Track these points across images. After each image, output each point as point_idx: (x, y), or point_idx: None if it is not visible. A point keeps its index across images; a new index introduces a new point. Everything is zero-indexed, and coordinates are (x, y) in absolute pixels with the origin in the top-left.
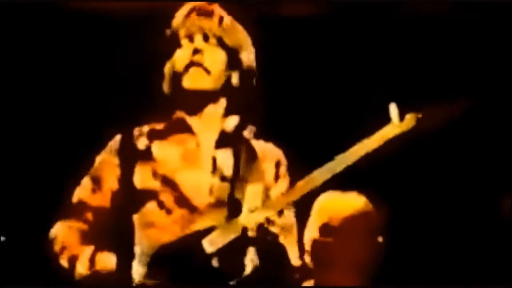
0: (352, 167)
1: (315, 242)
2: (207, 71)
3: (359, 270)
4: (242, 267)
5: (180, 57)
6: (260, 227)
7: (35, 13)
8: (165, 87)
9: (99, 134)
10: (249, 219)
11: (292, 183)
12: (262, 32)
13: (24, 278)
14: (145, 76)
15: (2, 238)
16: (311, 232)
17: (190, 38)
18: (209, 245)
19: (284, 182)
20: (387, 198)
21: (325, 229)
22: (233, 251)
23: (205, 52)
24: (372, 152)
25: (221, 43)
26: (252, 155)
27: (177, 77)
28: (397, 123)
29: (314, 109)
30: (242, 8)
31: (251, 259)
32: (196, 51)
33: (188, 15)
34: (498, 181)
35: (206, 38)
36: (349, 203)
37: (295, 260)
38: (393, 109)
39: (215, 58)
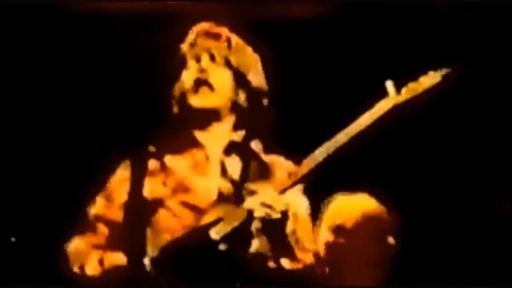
0: (361, 170)
1: (328, 244)
2: (213, 89)
3: (371, 271)
4: (248, 250)
5: (187, 77)
6: (266, 206)
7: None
8: (174, 107)
9: (112, 152)
10: (253, 200)
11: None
12: (267, 35)
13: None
14: (156, 97)
15: (13, 239)
16: (324, 234)
17: (197, 59)
18: (215, 233)
19: (296, 190)
20: (397, 200)
21: (338, 230)
22: (239, 236)
23: (210, 70)
24: (371, 126)
25: (228, 63)
26: (263, 167)
27: (184, 96)
28: (394, 96)
29: (324, 114)
30: (248, 12)
31: (257, 241)
32: (202, 70)
33: (196, 38)
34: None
35: (212, 58)
36: (361, 205)
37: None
38: (389, 84)
39: (221, 77)
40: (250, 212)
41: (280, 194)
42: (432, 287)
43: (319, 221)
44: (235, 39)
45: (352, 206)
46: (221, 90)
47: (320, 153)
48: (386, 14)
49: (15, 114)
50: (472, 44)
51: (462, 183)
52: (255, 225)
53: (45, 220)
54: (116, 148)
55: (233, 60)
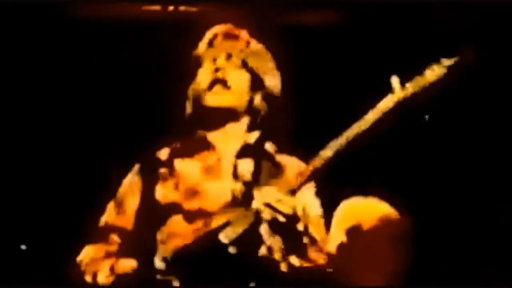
0: (370, 171)
1: (341, 245)
2: (229, 88)
3: (382, 273)
4: (258, 251)
5: (203, 76)
6: (269, 206)
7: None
8: (188, 107)
9: (122, 158)
10: (259, 199)
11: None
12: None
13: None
14: (165, 101)
15: (23, 247)
16: (338, 235)
17: (214, 60)
18: (225, 237)
19: (308, 190)
20: (409, 204)
21: (351, 232)
22: (248, 238)
23: (227, 69)
24: (378, 122)
25: (244, 64)
26: (275, 169)
27: (199, 96)
28: (399, 91)
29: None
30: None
31: (266, 242)
32: (218, 69)
33: (214, 39)
34: None
35: (229, 57)
36: (374, 208)
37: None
38: (394, 80)
39: (237, 77)
40: (257, 214)
41: (287, 195)
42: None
43: (333, 222)
44: (254, 42)
45: (365, 209)
46: (236, 90)
47: (327, 152)
48: (393, 15)
49: (25, 123)
50: (477, 40)
51: (475, 185)
52: (265, 227)
53: (56, 229)
54: (126, 153)
55: (250, 62)
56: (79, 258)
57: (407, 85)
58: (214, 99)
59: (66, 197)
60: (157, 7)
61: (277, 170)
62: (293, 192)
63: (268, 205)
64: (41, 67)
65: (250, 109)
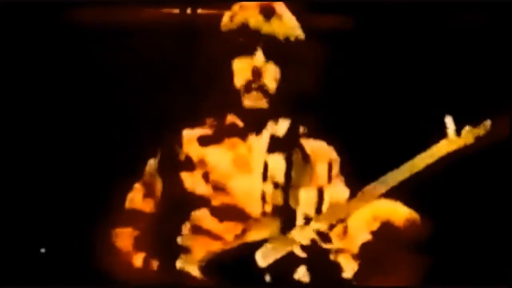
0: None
1: (364, 245)
2: (266, 91)
3: (400, 275)
4: (294, 282)
5: (240, 72)
6: (311, 244)
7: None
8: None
9: (150, 138)
10: (299, 235)
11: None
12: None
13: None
14: (195, 78)
15: (43, 250)
16: (361, 235)
17: (250, 50)
18: (262, 258)
19: (337, 183)
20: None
21: (374, 233)
22: (286, 266)
23: (266, 73)
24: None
25: (279, 56)
26: (304, 158)
27: (234, 87)
28: (454, 138)
29: (368, 112)
30: None
31: (303, 274)
32: (257, 73)
33: (247, 22)
34: None
35: (267, 54)
36: (396, 211)
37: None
38: (449, 123)
39: (275, 78)
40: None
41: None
42: None
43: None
44: (286, 16)
45: (388, 211)
46: (274, 90)
47: (373, 190)
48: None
49: (36, 124)
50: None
51: (493, 190)
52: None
53: (82, 213)
54: (152, 138)
55: (284, 52)
56: (107, 242)
57: (463, 133)
58: (252, 103)
59: (92, 182)
60: (175, 10)
61: (307, 162)
62: (332, 226)
63: (311, 242)
64: (52, 73)
65: (282, 102)
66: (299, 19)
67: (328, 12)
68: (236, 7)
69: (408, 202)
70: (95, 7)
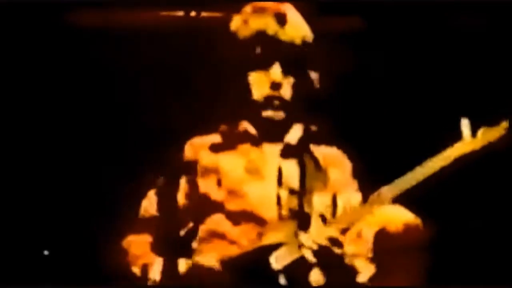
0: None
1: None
2: (285, 104)
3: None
4: (308, 284)
5: (257, 85)
6: (322, 249)
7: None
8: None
9: (164, 145)
10: (310, 240)
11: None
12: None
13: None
14: (205, 83)
15: (46, 252)
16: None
17: (266, 63)
18: (276, 261)
19: (350, 188)
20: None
21: (378, 236)
22: (300, 268)
23: (284, 86)
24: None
25: (295, 68)
26: (317, 163)
27: (251, 98)
28: (469, 140)
29: (381, 117)
30: None
31: (317, 277)
32: (275, 87)
33: (260, 30)
34: None
35: (284, 65)
36: (398, 215)
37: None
38: (465, 125)
39: (291, 88)
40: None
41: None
42: None
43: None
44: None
45: (391, 215)
46: (289, 99)
47: (385, 193)
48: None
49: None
50: None
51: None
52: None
53: (97, 217)
54: (161, 144)
55: (299, 58)
56: (123, 247)
57: (479, 135)
58: (270, 114)
59: (109, 186)
60: (179, 13)
61: (320, 168)
62: (345, 231)
63: (322, 248)
64: (55, 75)
65: (297, 111)
66: (308, 21)
67: (337, 13)
68: (247, 9)
69: (411, 205)
70: (105, 9)
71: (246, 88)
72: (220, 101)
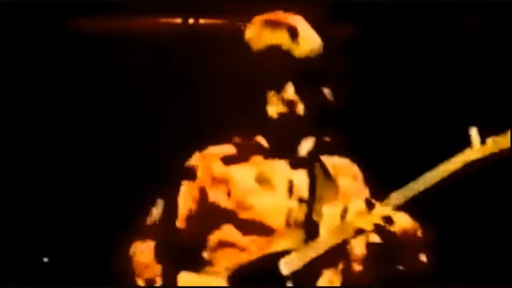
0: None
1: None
2: (299, 119)
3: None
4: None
5: (272, 103)
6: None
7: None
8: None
9: (174, 154)
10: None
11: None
12: None
13: None
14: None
15: (46, 259)
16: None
17: (280, 80)
18: (285, 267)
19: (362, 196)
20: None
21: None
22: (309, 273)
23: (298, 103)
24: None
25: (308, 86)
26: (327, 173)
27: (266, 113)
28: (478, 147)
29: (390, 126)
30: None
31: (327, 281)
32: (290, 105)
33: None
34: None
35: (297, 86)
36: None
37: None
38: (473, 133)
39: (305, 103)
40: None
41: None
42: None
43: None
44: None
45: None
46: (302, 114)
47: (395, 198)
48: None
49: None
50: None
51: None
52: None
53: (103, 222)
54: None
55: (312, 72)
56: (130, 254)
57: (488, 142)
58: (284, 130)
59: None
60: (177, 20)
61: (330, 177)
62: (359, 231)
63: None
64: (55, 82)
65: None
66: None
67: (342, 20)
68: (260, 21)
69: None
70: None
71: (259, 102)
72: (232, 113)
